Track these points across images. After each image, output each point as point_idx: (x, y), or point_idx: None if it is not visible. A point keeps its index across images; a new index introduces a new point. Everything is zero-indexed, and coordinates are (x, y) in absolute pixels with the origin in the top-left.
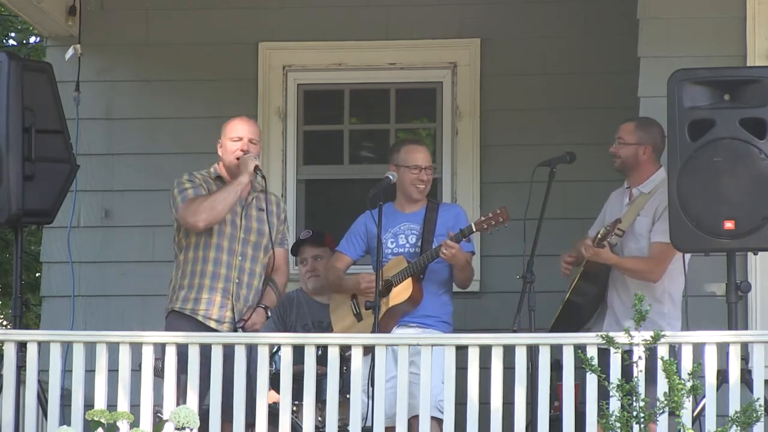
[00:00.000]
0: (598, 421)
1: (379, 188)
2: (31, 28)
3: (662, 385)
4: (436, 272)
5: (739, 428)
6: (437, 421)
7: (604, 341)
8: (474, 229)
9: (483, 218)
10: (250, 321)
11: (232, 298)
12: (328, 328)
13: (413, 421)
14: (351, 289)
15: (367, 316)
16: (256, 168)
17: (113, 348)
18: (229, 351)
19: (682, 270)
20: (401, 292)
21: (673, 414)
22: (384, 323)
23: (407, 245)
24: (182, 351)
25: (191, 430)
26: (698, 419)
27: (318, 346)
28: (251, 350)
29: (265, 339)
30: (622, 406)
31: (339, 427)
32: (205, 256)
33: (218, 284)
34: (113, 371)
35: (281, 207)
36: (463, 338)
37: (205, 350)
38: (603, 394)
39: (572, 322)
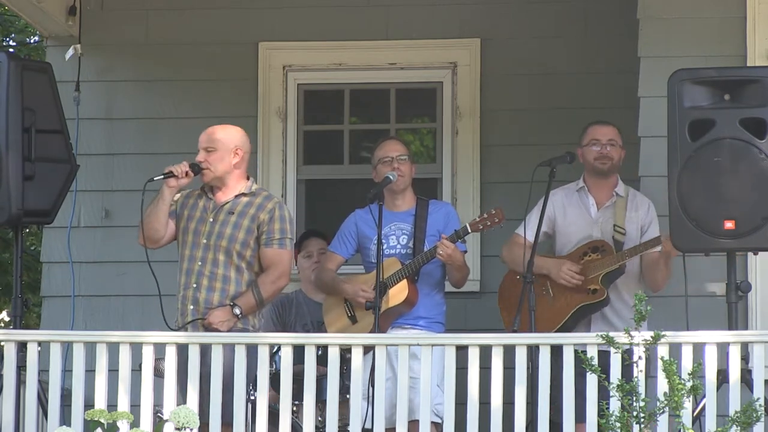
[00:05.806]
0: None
1: (379, 188)
2: (31, 28)
3: (662, 385)
4: (429, 273)
5: (739, 428)
6: (434, 425)
7: (604, 341)
8: (469, 230)
9: (478, 219)
10: (209, 318)
11: (189, 302)
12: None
13: (410, 426)
14: (346, 295)
15: (361, 318)
16: (169, 173)
17: (113, 348)
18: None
19: None
20: (397, 294)
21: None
22: (379, 325)
23: (398, 246)
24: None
25: (191, 430)
26: (698, 419)
27: (318, 346)
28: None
29: (265, 339)
30: (622, 406)
31: (339, 427)
32: (178, 269)
33: (180, 293)
34: (113, 371)
35: (266, 208)
36: (463, 338)
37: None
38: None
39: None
